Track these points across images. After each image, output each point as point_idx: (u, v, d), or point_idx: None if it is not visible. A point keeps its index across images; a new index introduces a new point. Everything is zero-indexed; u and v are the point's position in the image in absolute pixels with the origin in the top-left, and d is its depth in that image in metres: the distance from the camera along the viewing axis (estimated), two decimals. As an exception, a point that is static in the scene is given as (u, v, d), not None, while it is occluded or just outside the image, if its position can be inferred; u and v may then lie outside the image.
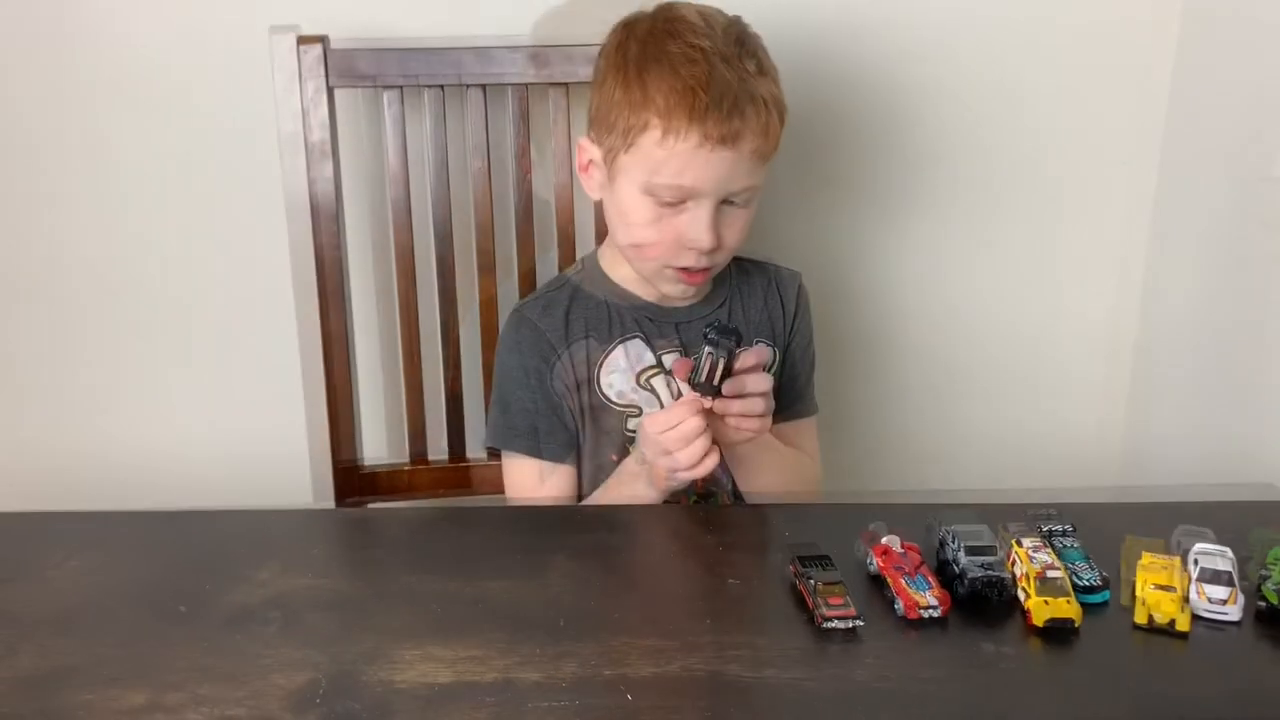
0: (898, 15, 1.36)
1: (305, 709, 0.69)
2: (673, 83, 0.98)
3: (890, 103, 1.41)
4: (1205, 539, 0.84)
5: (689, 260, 1.04)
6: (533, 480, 1.10)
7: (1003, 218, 1.47)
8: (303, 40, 1.19)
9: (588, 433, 1.10)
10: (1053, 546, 0.84)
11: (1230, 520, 0.89)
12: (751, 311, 1.14)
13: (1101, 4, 1.39)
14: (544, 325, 1.10)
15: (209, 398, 1.42)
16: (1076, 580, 0.81)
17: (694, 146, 0.98)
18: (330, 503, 1.25)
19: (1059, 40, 1.40)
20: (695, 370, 0.94)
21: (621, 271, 1.11)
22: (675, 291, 1.08)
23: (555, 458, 1.09)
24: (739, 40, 1.02)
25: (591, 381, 1.09)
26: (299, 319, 1.30)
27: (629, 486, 1.03)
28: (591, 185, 1.09)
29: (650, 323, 1.10)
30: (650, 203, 1.02)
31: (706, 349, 0.93)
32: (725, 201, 1.02)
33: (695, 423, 0.94)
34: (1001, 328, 1.51)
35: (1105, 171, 1.46)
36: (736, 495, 1.10)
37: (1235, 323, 1.33)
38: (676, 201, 1.01)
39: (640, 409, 1.09)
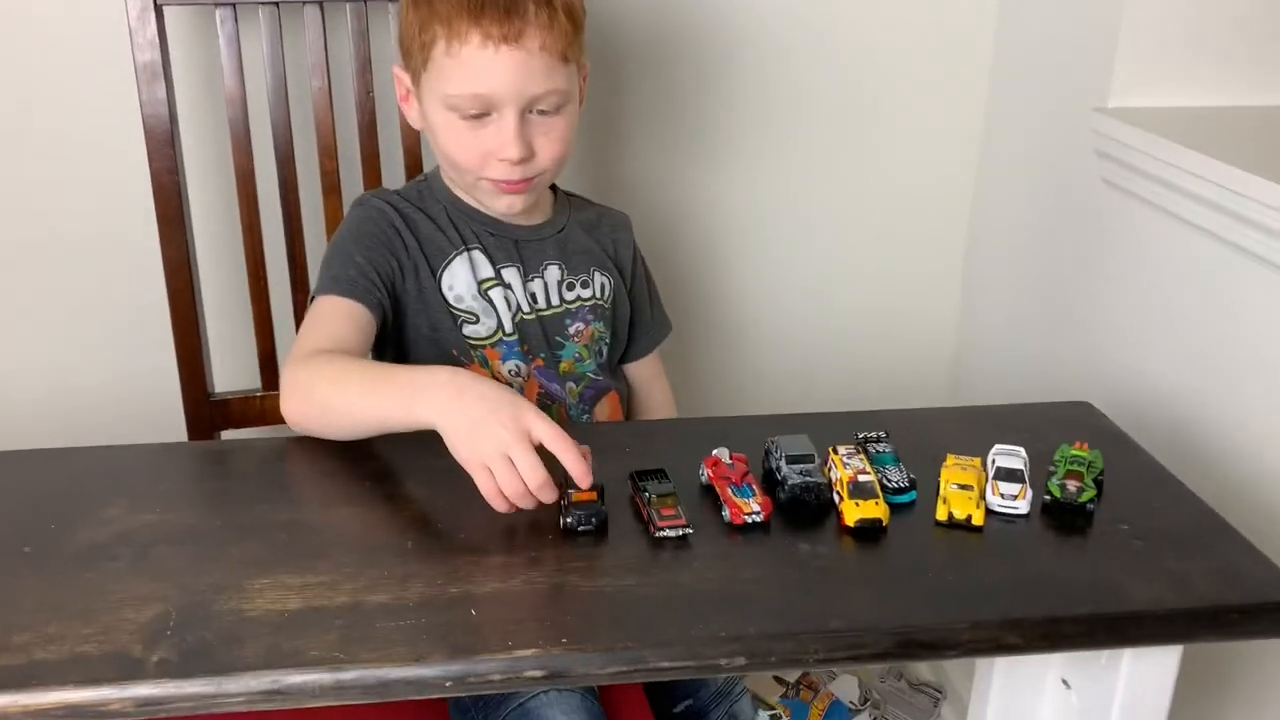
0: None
1: (156, 641, 0.71)
2: None
3: (721, 26, 1.43)
4: (1017, 456, 0.89)
5: (501, 172, 1.04)
6: (341, 315, 1.02)
7: (839, 144, 1.51)
8: (124, -44, 1.14)
9: (422, 328, 1.09)
10: (866, 452, 0.91)
11: (1044, 433, 0.96)
12: (585, 241, 1.16)
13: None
14: (391, 214, 1.09)
15: (52, 334, 1.38)
16: (886, 483, 0.88)
17: (476, 48, 0.99)
18: (182, 435, 1.25)
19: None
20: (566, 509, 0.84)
21: (460, 190, 1.12)
22: (500, 205, 1.09)
23: (369, 306, 1.03)
24: None
25: (435, 275, 1.09)
26: (141, 247, 1.27)
27: (409, 391, 0.89)
28: (413, 115, 1.09)
29: (491, 237, 1.11)
30: (454, 118, 1.03)
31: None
32: (533, 111, 1.03)
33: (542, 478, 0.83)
34: (841, 256, 1.57)
35: (936, 97, 1.51)
36: (570, 413, 1.14)
37: (1058, 247, 1.40)
38: (479, 113, 1.02)
39: (477, 316, 1.09)
